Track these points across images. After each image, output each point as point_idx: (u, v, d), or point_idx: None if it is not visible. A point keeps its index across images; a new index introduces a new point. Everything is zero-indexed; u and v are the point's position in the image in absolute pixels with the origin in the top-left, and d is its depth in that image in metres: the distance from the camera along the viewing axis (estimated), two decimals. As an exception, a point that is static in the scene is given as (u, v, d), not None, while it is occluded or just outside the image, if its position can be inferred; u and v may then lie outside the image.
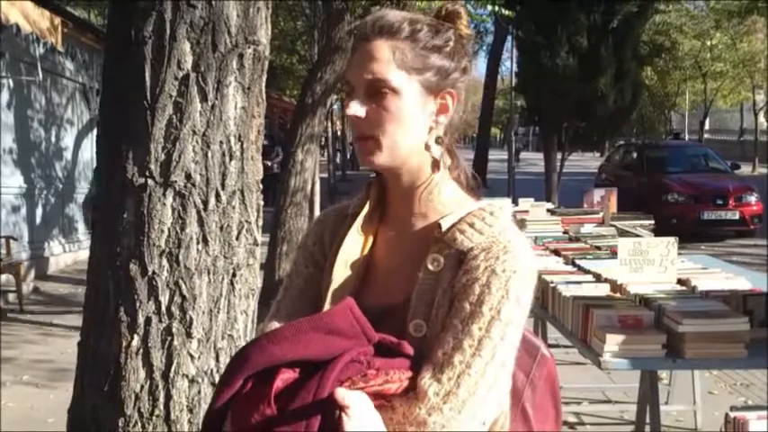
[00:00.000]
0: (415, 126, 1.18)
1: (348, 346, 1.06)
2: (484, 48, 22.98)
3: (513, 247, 1.16)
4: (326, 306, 1.19)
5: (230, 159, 2.10)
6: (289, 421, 1.00)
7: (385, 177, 1.25)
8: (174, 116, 2.03)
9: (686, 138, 28.77)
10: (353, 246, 1.24)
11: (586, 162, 25.97)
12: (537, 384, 1.34)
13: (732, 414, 2.41)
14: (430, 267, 1.17)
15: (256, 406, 1.03)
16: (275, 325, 1.22)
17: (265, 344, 1.06)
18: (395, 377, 1.08)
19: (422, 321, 1.15)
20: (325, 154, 20.52)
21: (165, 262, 2.04)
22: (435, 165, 1.21)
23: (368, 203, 1.27)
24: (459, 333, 1.11)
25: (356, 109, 1.17)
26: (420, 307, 1.16)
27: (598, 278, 3.29)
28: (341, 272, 1.22)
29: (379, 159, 1.19)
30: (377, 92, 1.17)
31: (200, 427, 1.13)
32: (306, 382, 1.03)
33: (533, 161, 28.32)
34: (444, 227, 1.18)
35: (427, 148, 1.20)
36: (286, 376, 1.04)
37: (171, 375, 2.05)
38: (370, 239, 1.26)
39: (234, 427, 1.05)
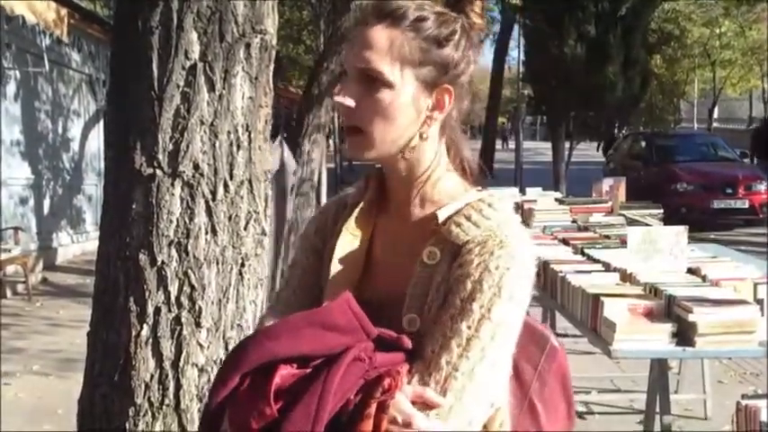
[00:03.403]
0: (405, 122, 1.13)
1: (346, 341, 1.03)
2: (490, 37, 22.88)
3: (510, 242, 1.10)
4: (326, 299, 1.16)
5: (238, 149, 2.09)
6: (292, 424, 0.97)
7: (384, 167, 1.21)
8: (182, 106, 2.02)
9: (695, 126, 28.63)
10: (352, 237, 1.20)
11: (594, 151, 25.86)
12: (546, 378, 1.29)
13: (743, 402, 2.41)
14: (426, 260, 1.13)
15: (255, 405, 0.99)
16: (272, 317, 1.20)
17: (262, 339, 1.04)
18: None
19: (415, 316, 1.12)
20: (332, 144, 20.49)
21: (173, 252, 2.04)
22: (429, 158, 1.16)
23: (367, 193, 1.23)
24: (448, 331, 1.07)
25: (346, 97, 1.13)
26: (414, 301, 1.12)
27: (607, 267, 3.28)
28: (339, 265, 1.18)
29: (366, 154, 1.15)
30: (370, 82, 1.12)
31: (198, 427, 1.11)
32: (309, 383, 1.00)
33: (540, 150, 28.21)
34: (441, 218, 1.14)
35: (422, 137, 1.15)
36: (284, 372, 1.01)
37: (180, 365, 2.05)
38: (370, 230, 1.22)
39: (232, 427, 1.02)
